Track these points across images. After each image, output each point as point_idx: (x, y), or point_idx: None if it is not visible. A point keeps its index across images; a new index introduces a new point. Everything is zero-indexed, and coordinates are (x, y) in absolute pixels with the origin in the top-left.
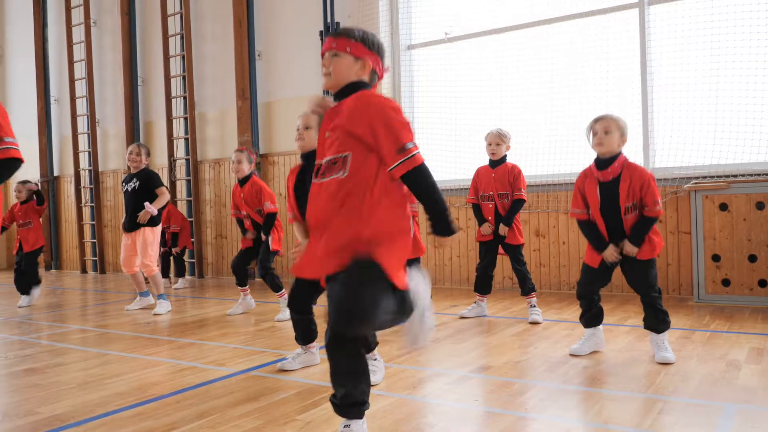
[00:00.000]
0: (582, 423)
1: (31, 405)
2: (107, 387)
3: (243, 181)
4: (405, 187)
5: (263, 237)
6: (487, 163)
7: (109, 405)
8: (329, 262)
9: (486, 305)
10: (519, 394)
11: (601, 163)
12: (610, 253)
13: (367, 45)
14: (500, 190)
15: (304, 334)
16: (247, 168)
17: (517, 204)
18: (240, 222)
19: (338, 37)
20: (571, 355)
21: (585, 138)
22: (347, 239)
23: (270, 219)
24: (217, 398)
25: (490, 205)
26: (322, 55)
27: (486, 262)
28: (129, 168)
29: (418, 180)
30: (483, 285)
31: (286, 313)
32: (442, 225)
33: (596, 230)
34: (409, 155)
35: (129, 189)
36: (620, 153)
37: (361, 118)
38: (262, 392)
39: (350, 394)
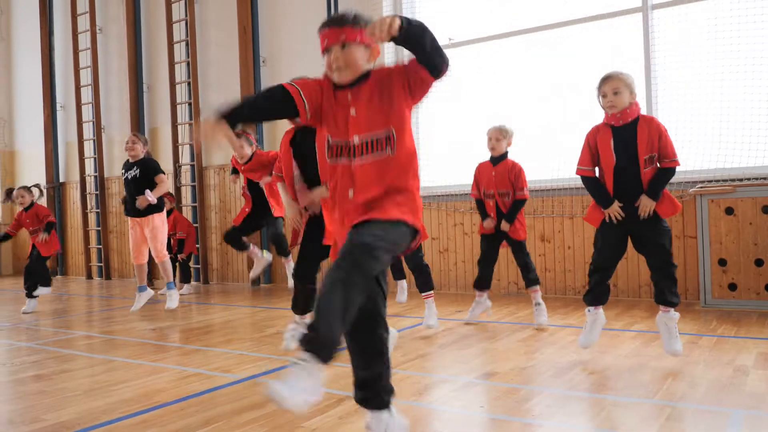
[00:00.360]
0: (589, 430)
1: (37, 412)
2: (113, 394)
3: (246, 161)
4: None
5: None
6: (488, 158)
7: (114, 412)
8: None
9: (486, 298)
10: (525, 401)
11: (613, 119)
12: (615, 208)
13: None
14: (501, 189)
15: (305, 304)
16: (249, 150)
17: (519, 203)
18: (234, 170)
19: (344, 26)
20: (582, 347)
21: (596, 100)
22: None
23: (275, 221)
24: (223, 405)
25: (491, 203)
26: (327, 48)
27: (487, 255)
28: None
29: (420, 31)
30: (483, 281)
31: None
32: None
33: (602, 187)
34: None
35: (129, 177)
36: (632, 103)
37: (397, 73)
38: (266, 399)
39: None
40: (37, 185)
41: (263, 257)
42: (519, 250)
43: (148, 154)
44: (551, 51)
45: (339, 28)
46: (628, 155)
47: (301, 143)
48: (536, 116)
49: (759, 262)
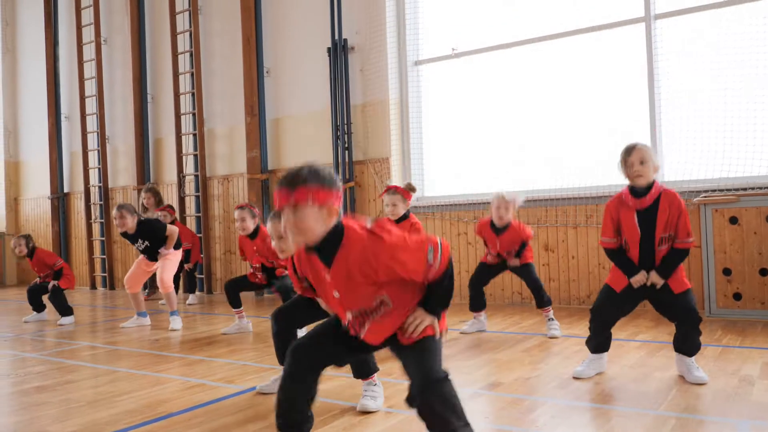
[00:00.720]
0: None
1: (42, 423)
2: (117, 405)
3: (252, 235)
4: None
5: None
6: (489, 219)
7: (118, 423)
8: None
9: (485, 319)
10: (529, 411)
11: (638, 191)
12: (641, 278)
13: (324, 185)
14: (508, 249)
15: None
16: (251, 224)
17: (525, 243)
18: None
19: (294, 187)
20: (575, 378)
21: (619, 170)
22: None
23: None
24: (227, 416)
25: (497, 260)
26: (279, 208)
27: (480, 277)
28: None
29: (446, 277)
30: (476, 303)
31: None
32: (442, 303)
33: (626, 257)
34: (435, 266)
35: (141, 248)
36: (654, 180)
37: (375, 267)
38: (271, 410)
39: None
40: (27, 235)
41: (246, 325)
42: (528, 272)
43: (140, 217)
44: (554, 61)
45: (290, 190)
46: (646, 234)
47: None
48: (540, 126)
49: (764, 272)
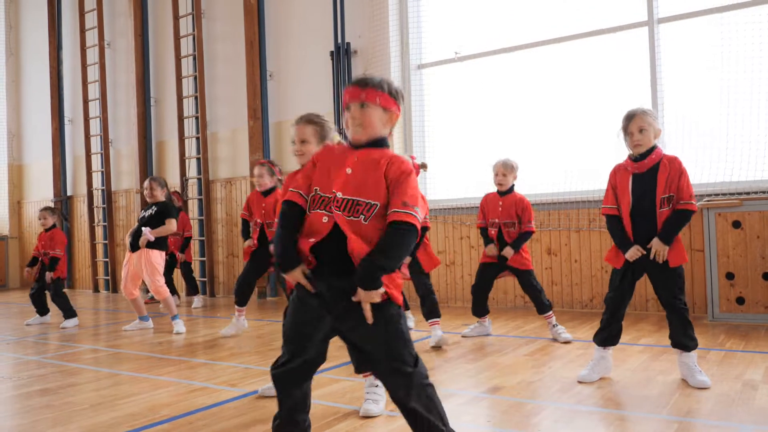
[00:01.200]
0: None
1: (43, 426)
2: (119, 408)
3: (266, 193)
4: None
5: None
6: (495, 190)
7: (120, 426)
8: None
9: (490, 324)
10: (532, 415)
11: (637, 156)
12: (633, 252)
13: (393, 95)
14: (506, 219)
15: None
16: (269, 181)
17: (526, 235)
18: (245, 224)
19: (366, 87)
20: (579, 382)
21: (620, 139)
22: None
23: None
24: (229, 419)
25: (493, 231)
26: (346, 105)
27: (481, 284)
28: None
29: (402, 235)
30: (479, 308)
31: None
32: (373, 277)
33: (622, 229)
34: (413, 213)
35: (145, 215)
36: (656, 146)
37: (393, 173)
38: (273, 413)
39: None
40: (59, 209)
41: (243, 324)
42: (527, 279)
43: (169, 198)
44: (557, 65)
45: (360, 88)
46: (645, 195)
47: None
48: (543, 130)
49: (767, 276)
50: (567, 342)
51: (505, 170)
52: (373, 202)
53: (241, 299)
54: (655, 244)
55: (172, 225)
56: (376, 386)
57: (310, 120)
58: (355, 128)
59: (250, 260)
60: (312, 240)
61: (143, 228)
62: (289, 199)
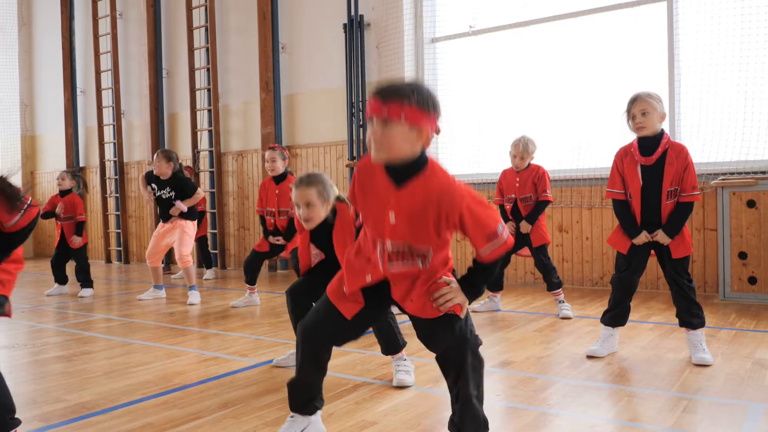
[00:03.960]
0: (605, 420)
1: (59, 392)
2: (132, 376)
3: (279, 179)
4: None
5: (282, 241)
6: (512, 165)
7: (134, 393)
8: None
9: (500, 300)
10: (541, 390)
11: (645, 146)
12: (642, 238)
13: (423, 107)
14: (522, 194)
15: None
16: (281, 165)
17: (542, 204)
18: (263, 220)
19: (389, 101)
20: (588, 357)
21: (624, 122)
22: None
23: (292, 225)
24: (241, 389)
25: (509, 206)
26: (368, 117)
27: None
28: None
29: (497, 263)
30: (494, 282)
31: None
32: (479, 287)
33: (631, 214)
34: (501, 240)
35: (164, 197)
36: (662, 132)
37: (449, 208)
38: (284, 383)
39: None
40: (79, 175)
41: (254, 299)
42: (540, 255)
43: (179, 169)
44: (573, 40)
45: (383, 102)
46: (653, 186)
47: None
48: (556, 105)
49: None
50: (566, 318)
51: (524, 154)
52: (424, 249)
53: (251, 278)
54: (660, 237)
55: (198, 193)
56: (404, 360)
57: (310, 182)
58: (375, 149)
59: (263, 251)
60: (368, 279)
61: (177, 202)
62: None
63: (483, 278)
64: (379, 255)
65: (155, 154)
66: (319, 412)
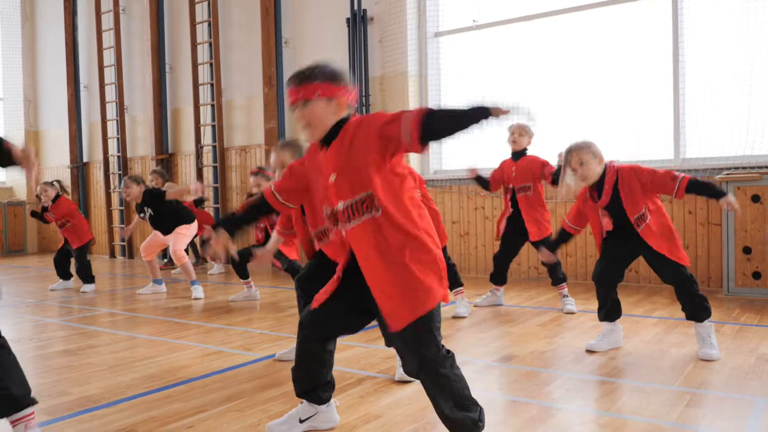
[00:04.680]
0: (608, 414)
1: (64, 386)
2: (137, 370)
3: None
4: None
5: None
6: (509, 156)
7: (138, 387)
8: (399, 315)
9: (503, 294)
10: (544, 384)
11: (596, 190)
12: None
13: (332, 80)
14: (520, 183)
15: None
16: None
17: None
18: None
19: (301, 83)
20: (588, 351)
21: (563, 171)
22: (399, 278)
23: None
24: (244, 382)
25: (508, 197)
26: (291, 105)
27: (508, 253)
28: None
29: (439, 121)
30: (499, 276)
31: None
32: (480, 115)
33: (561, 239)
34: (408, 114)
35: (147, 216)
36: (604, 171)
37: (366, 142)
38: (288, 377)
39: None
40: (58, 181)
41: (254, 293)
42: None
43: (147, 187)
44: (577, 34)
45: (297, 86)
46: (621, 217)
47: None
48: (560, 99)
49: None
50: (570, 313)
51: (521, 131)
52: (370, 193)
53: (242, 273)
54: (728, 199)
55: (171, 186)
56: None
57: (285, 145)
58: (306, 131)
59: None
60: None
61: (191, 187)
62: (267, 198)
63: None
64: (334, 221)
65: (125, 179)
66: (331, 403)
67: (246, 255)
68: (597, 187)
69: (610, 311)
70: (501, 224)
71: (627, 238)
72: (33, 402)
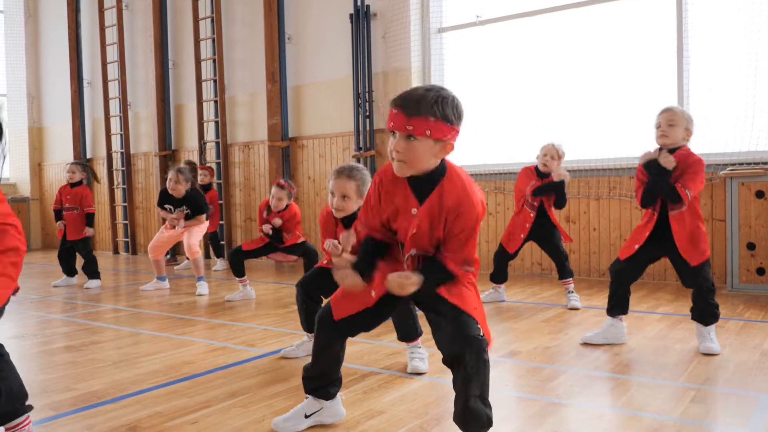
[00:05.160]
0: (612, 410)
1: (68, 382)
2: (141, 365)
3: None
4: None
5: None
6: (533, 166)
7: (143, 383)
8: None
9: (504, 291)
10: (548, 380)
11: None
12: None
13: (448, 121)
14: (549, 199)
15: (310, 321)
16: (286, 203)
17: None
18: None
19: (413, 115)
20: (583, 344)
21: (653, 132)
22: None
23: (301, 245)
24: (249, 378)
25: (532, 214)
26: (390, 129)
27: (507, 256)
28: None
29: (447, 277)
30: (499, 275)
31: None
32: (433, 281)
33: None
34: (462, 273)
35: (177, 212)
36: (683, 145)
37: (457, 213)
38: (292, 373)
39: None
40: (90, 167)
41: (249, 292)
42: (555, 248)
43: (192, 186)
44: (580, 29)
45: (407, 116)
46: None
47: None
48: (564, 95)
49: None
50: (574, 309)
51: (556, 154)
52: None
53: (238, 272)
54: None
55: (202, 221)
56: (419, 347)
57: (352, 176)
58: (399, 165)
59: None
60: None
61: (182, 221)
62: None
63: (441, 275)
64: (404, 258)
65: (170, 171)
66: (337, 398)
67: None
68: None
69: (617, 305)
70: (516, 236)
71: (657, 232)
72: (25, 411)
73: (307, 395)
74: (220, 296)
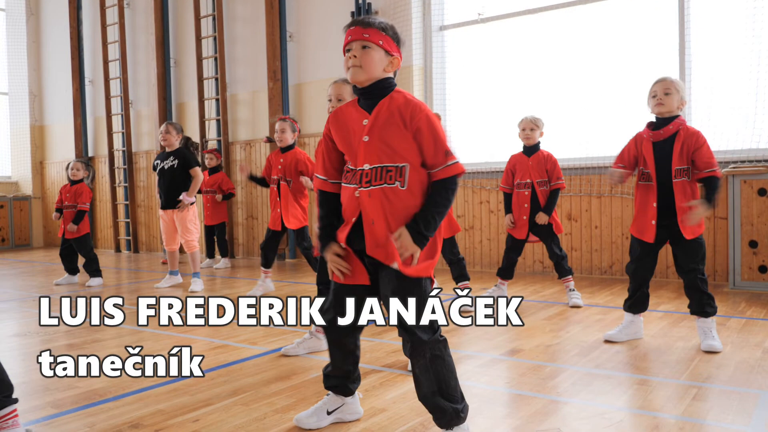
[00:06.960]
0: (614, 408)
1: (70, 379)
2: (143, 363)
3: (285, 149)
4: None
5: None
6: (520, 150)
7: (145, 381)
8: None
9: (506, 288)
10: (550, 378)
11: (658, 124)
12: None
13: (396, 41)
14: (539, 178)
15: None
16: (290, 137)
17: (557, 193)
18: (261, 181)
19: (369, 27)
20: (606, 341)
21: (646, 103)
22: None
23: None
24: (250, 376)
25: (527, 192)
26: (347, 43)
27: (514, 249)
28: (162, 147)
29: (450, 187)
30: (506, 270)
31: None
32: (429, 224)
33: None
34: (453, 161)
35: (165, 167)
36: (678, 115)
37: (412, 122)
38: (294, 371)
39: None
40: (92, 167)
41: (269, 286)
42: (553, 245)
43: (184, 144)
44: (583, 27)
45: (363, 28)
46: (663, 165)
47: None
48: (565, 93)
49: None
50: (576, 307)
51: (532, 125)
52: (401, 165)
53: (268, 261)
54: (699, 206)
55: (197, 174)
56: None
57: (348, 80)
58: (354, 69)
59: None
60: (347, 227)
61: (182, 195)
62: (320, 189)
63: (432, 204)
64: (358, 180)
65: (164, 124)
66: (355, 395)
67: None
68: (660, 125)
69: (635, 303)
70: (520, 220)
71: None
72: (9, 404)
73: (328, 392)
74: (222, 294)
